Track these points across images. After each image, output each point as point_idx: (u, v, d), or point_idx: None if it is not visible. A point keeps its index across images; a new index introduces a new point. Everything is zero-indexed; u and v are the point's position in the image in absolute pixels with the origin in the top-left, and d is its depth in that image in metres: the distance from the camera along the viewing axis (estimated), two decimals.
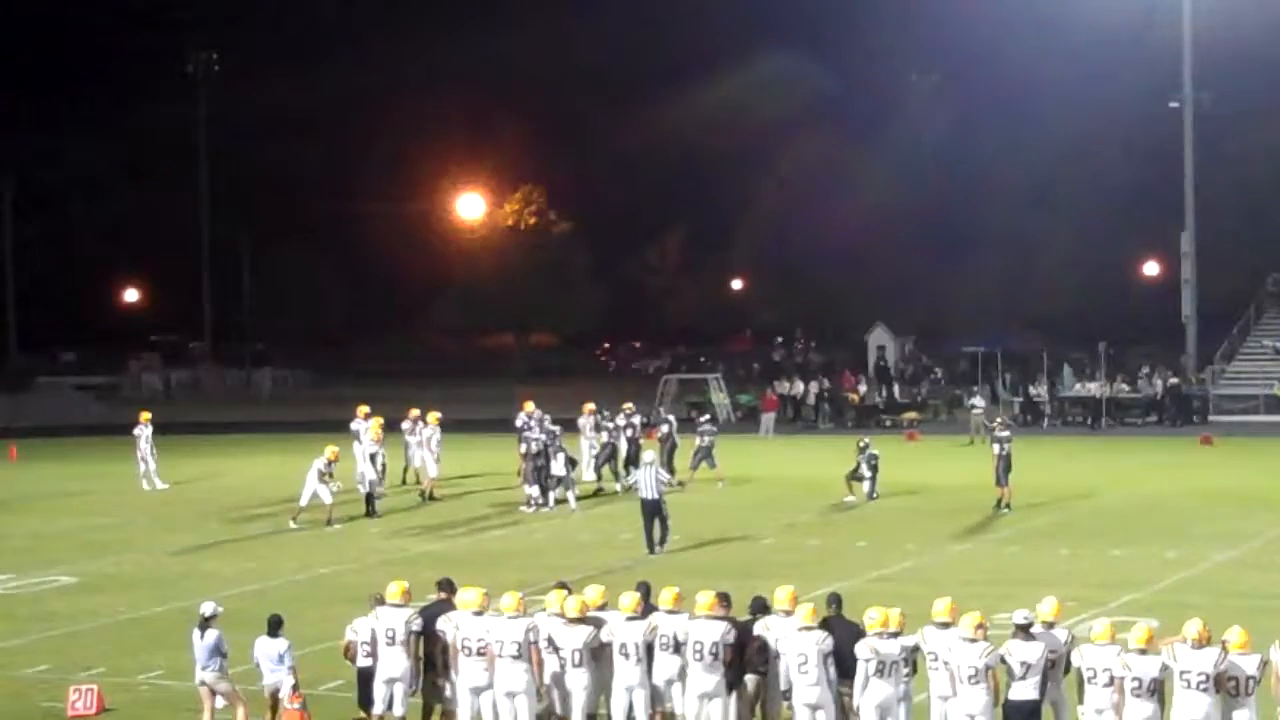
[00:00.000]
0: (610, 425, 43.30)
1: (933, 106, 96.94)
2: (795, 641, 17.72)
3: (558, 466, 38.67)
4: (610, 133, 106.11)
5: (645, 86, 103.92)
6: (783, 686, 18.00)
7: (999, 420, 42.64)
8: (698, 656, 17.96)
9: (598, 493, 41.59)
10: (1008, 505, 37.35)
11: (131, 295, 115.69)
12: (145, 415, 45.41)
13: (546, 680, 18.31)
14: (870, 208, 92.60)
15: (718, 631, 17.99)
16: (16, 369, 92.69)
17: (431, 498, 40.74)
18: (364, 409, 42.10)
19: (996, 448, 38.03)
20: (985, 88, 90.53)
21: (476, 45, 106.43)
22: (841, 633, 17.78)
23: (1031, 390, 64.98)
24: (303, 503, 36.66)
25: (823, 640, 17.59)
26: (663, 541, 32.23)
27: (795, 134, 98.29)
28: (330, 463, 36.98)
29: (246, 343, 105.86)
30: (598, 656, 18.23)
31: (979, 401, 59.23)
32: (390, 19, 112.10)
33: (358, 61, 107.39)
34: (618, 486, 41.84)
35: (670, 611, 18.39)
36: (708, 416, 46.25)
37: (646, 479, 32.55)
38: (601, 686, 18.35)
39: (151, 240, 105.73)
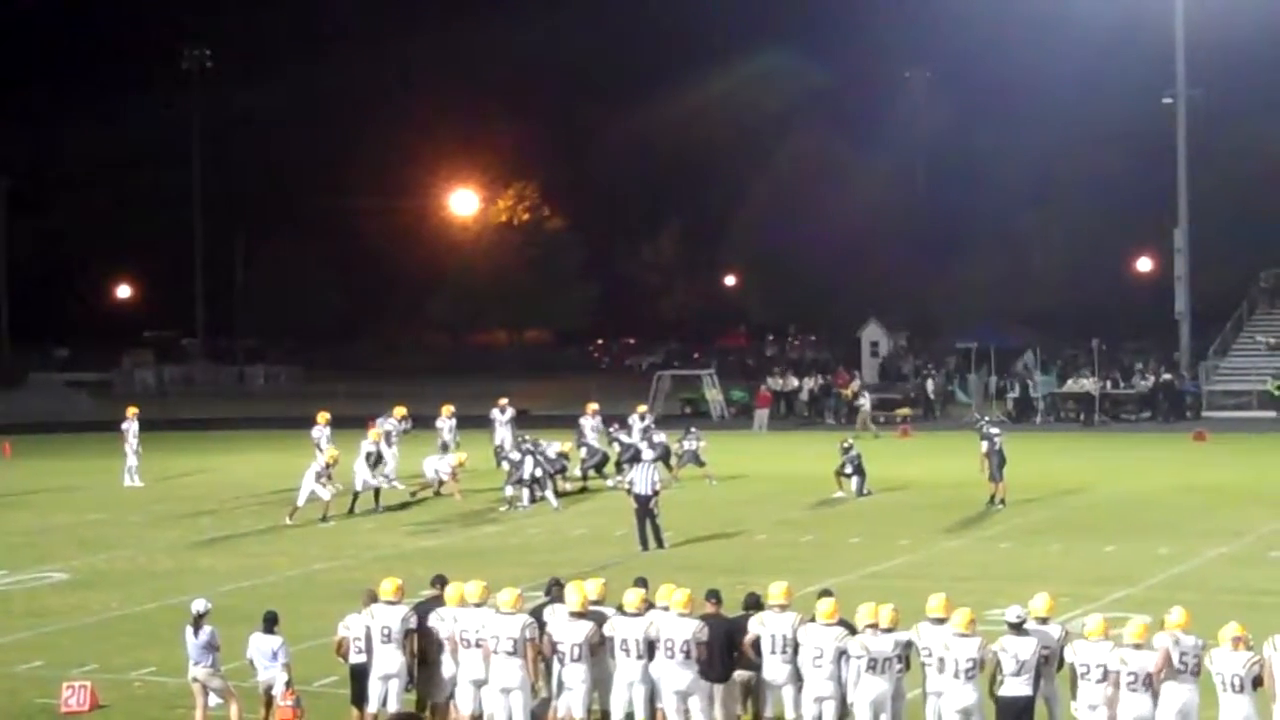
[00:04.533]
0: (624, 435, 43.11)
1: (926, 103, 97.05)
2: (812, 636, 17.77)
3: (529, 468, 38.53)
4: (603, 129, 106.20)
5: (638, 82, 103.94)
6: (782, 679, 18.03)
7: (988, 416, 42.63)
8: (669, 654, 18.02)
9: (582, 490, 41.60)
10: (1002, 501, 37.34)
11: (124, 291, 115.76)
12: (132, 410, 45.54)
13: (554, 675, 18.34)
14: (864, 204, 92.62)
15: (690, 629, 18.05)
16: (9, 365, 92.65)
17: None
18: (401, 410, 43.03)
19: (985, 444, 37.97)
20: (978, 84, 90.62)
21: (470, 41, 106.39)
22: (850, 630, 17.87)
23: (1029, 385, 65.12)
24: (300, 502, 36.66)
25: (841, 637, 17.65)
26: (660, 542, 32.18)
27: (789, 130, 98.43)
28: (329, 465, 37.05)
29: (239, 339, 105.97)
30: (596, 651, 18.26)
31: (865, 401, 59.84)
32: (384, 15, 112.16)
33: (351, 58, 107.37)
34: (609, 483, 41.84)
35: (666, 608, 18.42)
36: (694, 429, 45.98)
37: (643, 476, 32.55)
38: (599, 682, 18.36)
39: (145, 236, 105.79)
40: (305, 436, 42.91)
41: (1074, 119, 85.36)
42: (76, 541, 34.98)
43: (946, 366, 72.29)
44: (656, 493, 32.47)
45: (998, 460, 37.63)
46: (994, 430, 38.73)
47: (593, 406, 45.18)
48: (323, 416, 42.13)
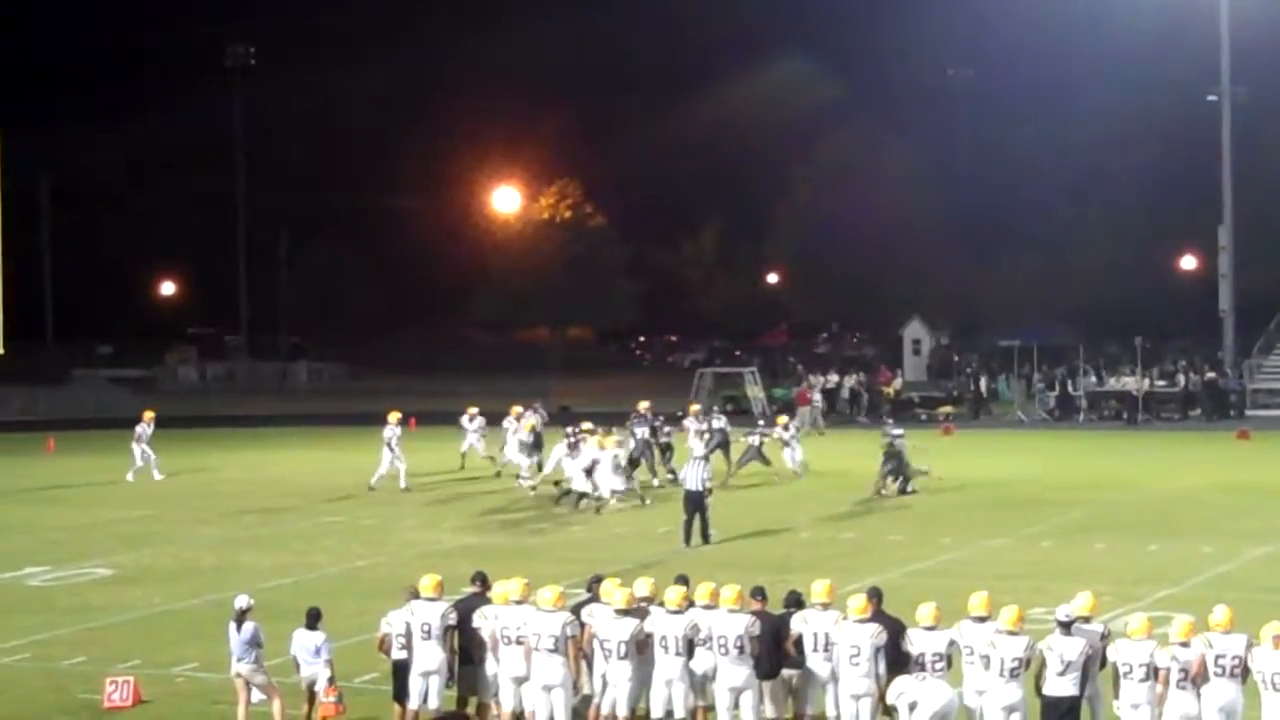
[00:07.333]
0: (673, 429, 43.41)
1: (969, 101, 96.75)
2: (849, 633, 17.76)
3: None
4: (646, 126, 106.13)
5: (681, 80, 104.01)
6: (824, 677, 18.00)
7: (891, 426, 42.31)
8: (723, 650, 18.02)
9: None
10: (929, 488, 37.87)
11: (168, 289, 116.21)
12: (149, 414, 46.10)
13: (598, 673, 18.34)
14: (906, 201, 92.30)
15: (741, 624, 18.05)
16: (53, 362, 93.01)
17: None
18: (519, 409, 43.86)
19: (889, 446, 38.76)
20: (1022, 81, 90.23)
21: (513, 41, 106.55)
22: (887, 627, 17.84)
23: (1070, 385, 64.91)
24: (533, 476, 39.79)
25: (877, 634, 17.64)
26: (705, 537, 32.16)
27: (831, 127, 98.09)
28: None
29: (282, 336, 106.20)
30: (643, 649, 18.26)
31: (817, 397, 60.87)
32: (427, 14, 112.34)
33: (395, 56, 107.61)
34: (655, 481, 41.79)
35: (706, 606, 18.42)
36: (762, 423, 46.06)
37: (694, 473, 32.55)
38: (645, 680, 18.37)
39: (188, 234, 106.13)
40: (349, 433, 43.15)
41: (1118, 116, 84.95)
42: (119, 537, 35.09)
43: (987, 364, 71.91)
44: (709, 490, 32.43)
45: (894, 464, 38.47)
46: (895, 432, 39.66)
47: (643, 405, 45.01)
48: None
